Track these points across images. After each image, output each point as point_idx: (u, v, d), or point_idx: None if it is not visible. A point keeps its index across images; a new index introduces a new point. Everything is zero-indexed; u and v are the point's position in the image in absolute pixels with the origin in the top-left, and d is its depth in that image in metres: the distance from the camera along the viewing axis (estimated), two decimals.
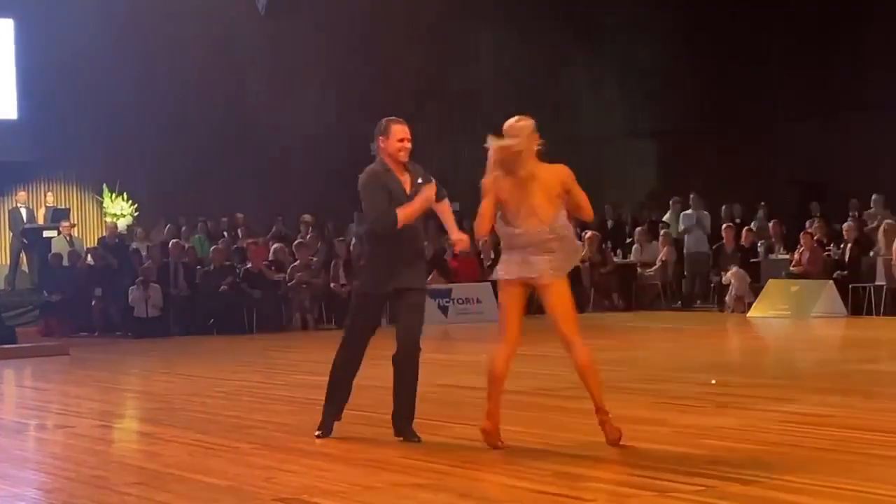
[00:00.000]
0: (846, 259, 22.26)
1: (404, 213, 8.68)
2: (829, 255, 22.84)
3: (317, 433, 9.12)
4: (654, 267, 25.14)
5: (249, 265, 22.65)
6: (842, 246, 22.72)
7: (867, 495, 6.54)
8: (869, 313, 21.20)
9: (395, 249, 8.81)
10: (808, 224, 24.42)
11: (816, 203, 25.97)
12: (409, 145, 8.88)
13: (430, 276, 23.18)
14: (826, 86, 26.99)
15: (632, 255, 25.67)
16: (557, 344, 8.32)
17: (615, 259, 25.58)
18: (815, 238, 22.96)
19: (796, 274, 22.21)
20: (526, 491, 7.04)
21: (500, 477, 7.49)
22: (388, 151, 8.88)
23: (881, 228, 21.96)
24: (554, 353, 8.47)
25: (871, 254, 22.13)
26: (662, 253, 25.10)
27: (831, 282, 21.58)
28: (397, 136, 8.89)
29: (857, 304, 21.54)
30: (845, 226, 23.09)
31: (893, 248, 20.92)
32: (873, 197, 24.73)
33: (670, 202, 26.61)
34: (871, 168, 25.87)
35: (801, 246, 22.56)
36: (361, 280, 9.25)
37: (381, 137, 8.91)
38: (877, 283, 21.47)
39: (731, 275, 22.84)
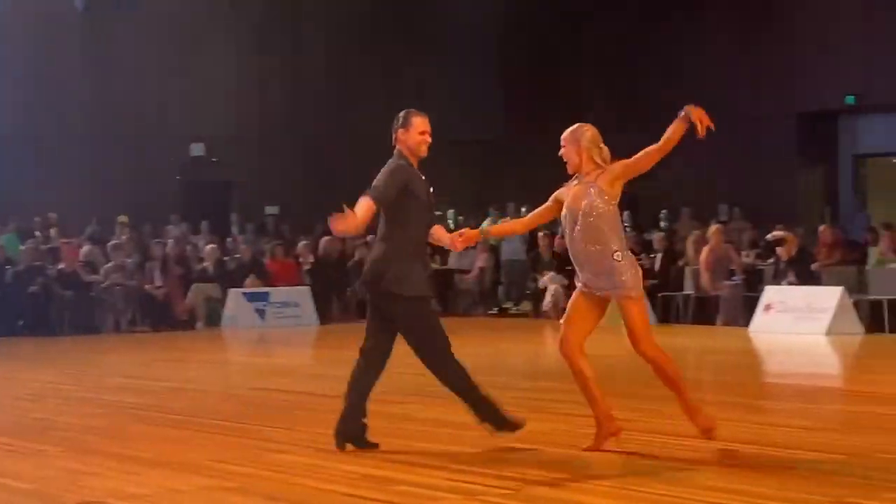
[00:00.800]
0: (656, 269, 22.80)
1: (359, 206, 8.08)
2: (640, 264, 23.27)
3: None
4: (471, 273, 25.31)
5: (62, 265, 22.18)
6: (652, 256, 23.27)
7: (670, 498, 6.66)
8: (677, 321, 21.74)
9: (424, 254, 8.46)
10: None
11: (629, 213, 26.47)
12: (430, 139, 8.35)
13: (248, 280, 23.01)
14: (637, 99, 27.57)
15: (449, 261, 25.79)
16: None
17: (433, 265, 25.65)
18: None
19: None
20: (336, 494, 7.02)
21: (311, 480, 7.45)
22: (409, 144, 8.31)
23: (689, 239, 22.56)
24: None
25: (680, 263, 22.74)
26: (479, 259, 25.28)
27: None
28: (419, 129, 8.32)
29: (666, 311, 22.11)
30: (656, 236, 23.68)
31: (700, 257, 21.49)
32: (682, 210, 25.37)
33: (489, 209, 26.82)
34: (680, 181, 26.47)
35: None
36: (411, 287, 8.21)
37: (400, 130, 8.34)
38: (685, 291, 22.05)
39: (548, 280, 23.13)
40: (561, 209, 8.29)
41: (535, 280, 24.01)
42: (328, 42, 29.08)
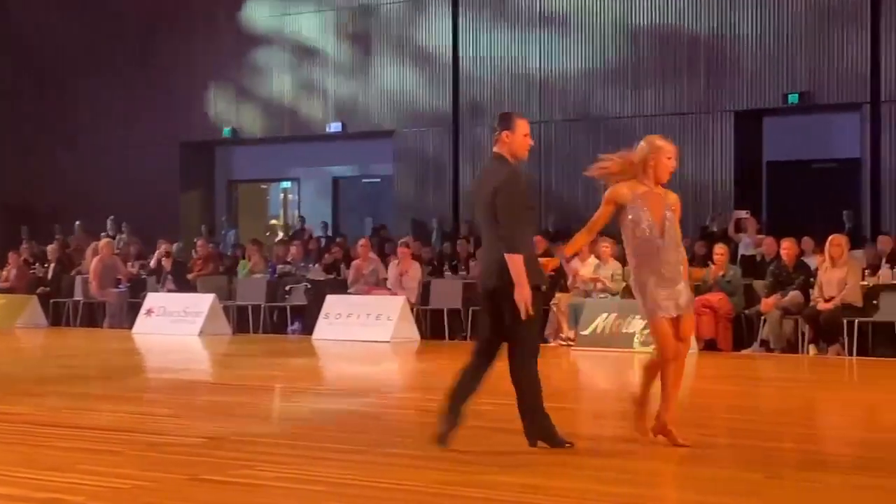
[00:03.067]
0: (49, 277, 22.55)
1: (519, 270, 7.21)
2: (34, 273, 22.97)
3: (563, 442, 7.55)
4: None
5: None
6: (46, 265, 22.97)
7: (45, 482, 6.71)
8: (68, 324, 21.57)
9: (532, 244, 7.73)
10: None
11: (26, 226, 25.85)
12: (531, 141, 7.60)
13: None
14: (42, 125, 27.19)
15: None
16: None
17: None
18: (23, 258, 23.10)
19: (4, 289, 22.18)
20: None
21: None
22: (513, 147, 7.48)
23: (89, 249, 22.38)
24: None
25: (73, 272, 22.58)
26: None
27: (35, 297, 21.78)
28: (523, 131, 7.52)
29: (57, 316, 21.86)
30: (50, 247, 23.36)
31: (90, 267, 21.44)
32: (77, 223, 25.12)
33: None
34: (75, 198, 26.26)
35: (10, 264, 22.62)
36: (539, 280, 7.40)
37: (505, 132, 7.49)
38: (75, 297, 21.91)
39: None
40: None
41: None
42: None
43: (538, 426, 7.45)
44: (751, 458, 7.44)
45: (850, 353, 14.94)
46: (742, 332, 16.00)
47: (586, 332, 16.10)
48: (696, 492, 6.46)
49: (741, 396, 11.60)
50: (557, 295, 17.00)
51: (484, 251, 7.70)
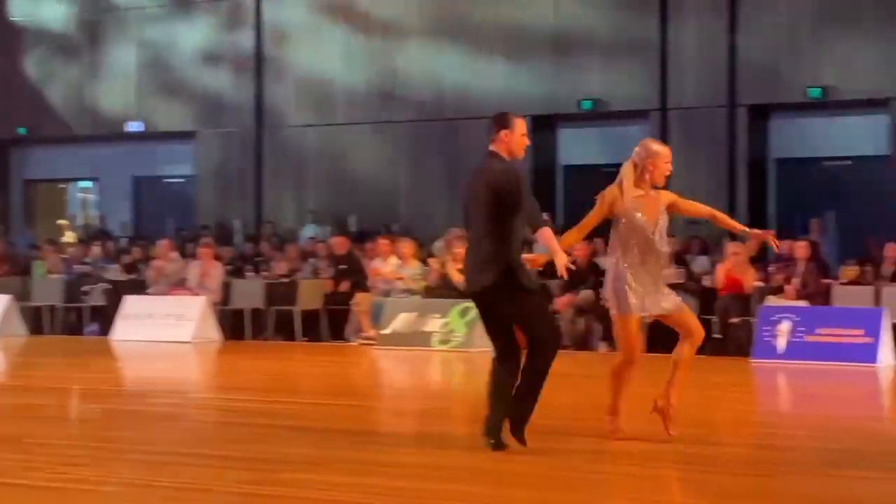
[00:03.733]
0: None
1: (552, 241, 7.30)
2: None
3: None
4: None
5: None
6: None
7: None
8: None
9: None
10: None
11: None
12: (528, 140, 7.51)
13: None
14: None
15: None
16: None
17: None
18: None
19: None
20: None
21: None
22: (511, 146, 7.41)
23: None
24: None
25: None
26: None
27: None
28: (521, 131, 7.45)
29: None
30: None
31: None
32: None
33: None
34: None
35: None
36: (531, 279, 7.41)
37: (504, 131, 7.41)
38: None
39: None
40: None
41: None
42: None
43: (501, 423, 7.43)
44: (549, 452, 7.59)
45: None
46: None
47: (387, 331, 16.18)
48: (484, 485, 6.55)
49: None
50: (358, 294, 17.04)
51: (471, 251, 7.57)
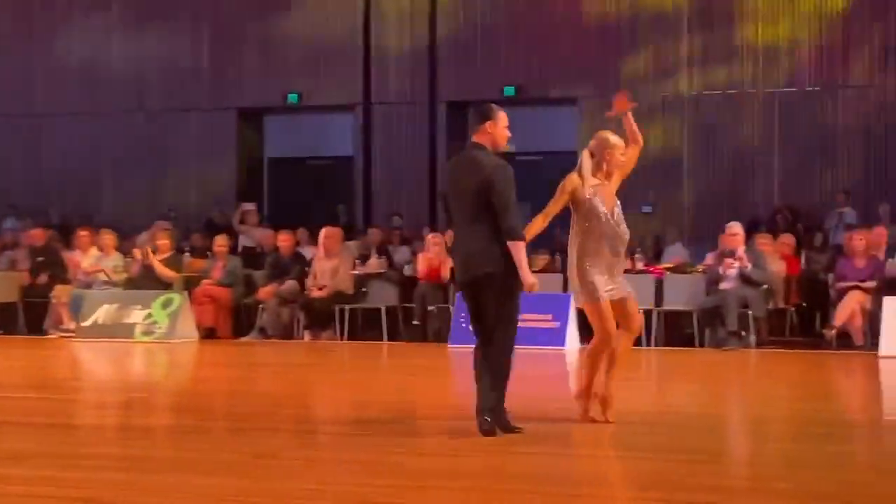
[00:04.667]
0: None
1: (522, 256, 7.30)
2: None
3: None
4: None
5: None
6: None
7: None
8: None
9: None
10: None
11: None
12: (509, 133, 7.49)
13: None
14: None
15: None
16: None
17: None
18: None
19: None
20: None
21: None
22: (495, 137, 7.44)
23: None
24: None
25: None
26: None
27: None
28: (504, 123, 7.48)
29: None
30: None
31: None
32: None
33: None
34: None
35: None
36: (512, 269, 7.29)
37: (488, 122, 7.44)
38: None
39: None
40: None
41: None
42: None
43: (500, 415, 7.45)
44: (247, 440, 7.63)
45: (342, 338, 15.60)
46: (242, 320, 16.28)
47: (87, 323, 15.77)
48: (192, 474, 6.52)
49: (241, 382, 11.80)
50: (57, 287, 16.55)
51: (462, 242, 7.51)
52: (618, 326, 7.89)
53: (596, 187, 7.82)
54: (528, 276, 7.29)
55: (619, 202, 7.95)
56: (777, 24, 19.31)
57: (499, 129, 7.50)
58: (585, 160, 7.87)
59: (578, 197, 7.80)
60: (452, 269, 7.64)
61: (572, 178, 7.84)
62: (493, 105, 7.59)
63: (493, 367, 7.42)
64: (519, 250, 7.28)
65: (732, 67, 19.46)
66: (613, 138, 7.93)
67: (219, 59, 21.68)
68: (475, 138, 7.51)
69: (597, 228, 7.80)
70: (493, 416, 7.36)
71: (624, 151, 7.91)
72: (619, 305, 7.89)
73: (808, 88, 19.13)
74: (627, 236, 7.98)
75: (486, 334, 7.46)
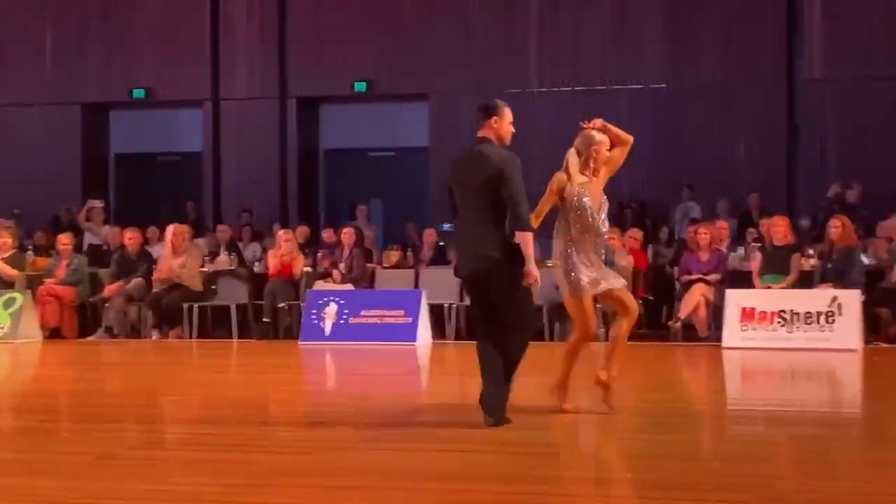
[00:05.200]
0: None
1: (530, 247, 7.41)
2: None
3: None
4: None
5: None
6: None
7: None
8: None
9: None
10: None
11: None
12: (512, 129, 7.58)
13: None
14: None
15: None
16: None
17: None
18: None
19: None
20: None
21: None
22: (501, 133, 7.53)
23: None
24: None
25: None
26: None
27: None
28: (509, 119, 7.56)
29: None
30: None
31: None
32: None
33: None
34: None
35: None
36: (517, 262, 7.36)
37: (495, 118, 7.51)
38: None
39: None
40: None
41: None
42: None
43: (502, 400, 7.49)
44: (90, 440, 7.43)
45: (192, 336, 15.33)
46: (88, 319, 15.89)
47: None
48: (52, 478, 6.31)
49: (85, 382, 11.51)
50: None
51: (464, 236, 7.53)
52: (615, 315, 8.18)
53: (584, 185, 7.92)
54: (533, 269, 7.40)
55: (605, 198, 8.04)
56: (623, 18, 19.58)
57: (504, 125, 7.60)
58: (572, 158, 7.95)
59: (566, 195, 7.89)
60: (455, 267, 7.59)
61: (559, 178, 7.92)
62: (500, 101, 7.66)
63: (507, 359, 7.50)
64: (527, 241, 7.39)
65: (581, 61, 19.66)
66: (599, 135, 8.00)
67: (62, 54, 21.14)
68: (481, 133, 7.60)
69: (584, 224, 7.91)
70: (497, 410, 7.44)
71: (609, 147, 8.01)
72: (610, 296, 8.05)
73: (653, 86, 19.41)
74: (606, 231, 8.07)
75: (489, 329, 7.51)
